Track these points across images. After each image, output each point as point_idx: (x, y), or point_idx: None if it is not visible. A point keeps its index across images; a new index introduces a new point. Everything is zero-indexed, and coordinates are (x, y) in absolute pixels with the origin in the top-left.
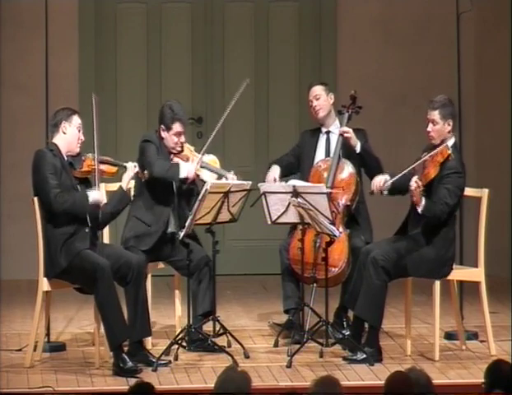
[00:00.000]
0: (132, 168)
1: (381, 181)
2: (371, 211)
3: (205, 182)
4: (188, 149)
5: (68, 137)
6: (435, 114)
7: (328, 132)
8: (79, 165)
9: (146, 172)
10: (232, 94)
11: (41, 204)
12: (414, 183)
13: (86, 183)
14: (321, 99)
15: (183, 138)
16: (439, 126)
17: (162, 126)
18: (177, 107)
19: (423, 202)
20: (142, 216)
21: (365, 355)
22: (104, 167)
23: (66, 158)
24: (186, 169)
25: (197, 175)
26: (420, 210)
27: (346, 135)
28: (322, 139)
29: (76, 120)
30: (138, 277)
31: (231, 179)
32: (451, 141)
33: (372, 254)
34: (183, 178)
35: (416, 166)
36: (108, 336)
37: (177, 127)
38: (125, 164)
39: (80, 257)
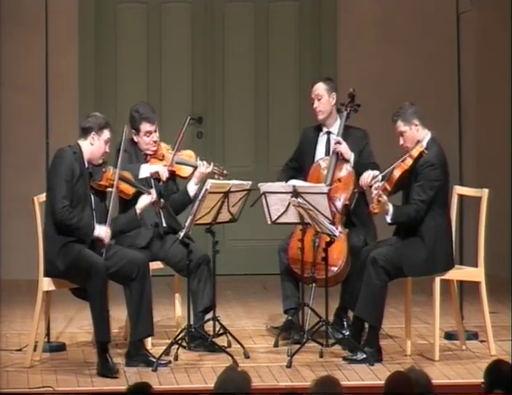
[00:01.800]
0: (152, 196)
1: (369, 177)
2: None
3: (184, 178)
4: (165, 148)
5: (94, 148)
6: (399, 125)
7: (328, 133)
8: (98, 177)
9: (162, 200)
10: (232, 94)
11: (47, 207)
12: (374, 187)
13: (101, 194)
14: (322, 100)
15: (154, 137)
16: (408, 133)
17: (133, 130)
18: (143, 108)
19: (390, 210)
20: None
21: (365, 355)
22: (122, 186)
23: (87, 165)
24: (146, 170)
25: (174, 172)
26: (389, 219)
27: (338, 148)
28: (322, 139)
29: (106, 134)
30: (144, 274)
31: (203, 167)
32: (426, 139)
33: (372, 254)
34: (161, 175)
35: (389, 171)
36: (95, 333)
37: (145, 126)
38: (150, 190)
39: (78, 257)
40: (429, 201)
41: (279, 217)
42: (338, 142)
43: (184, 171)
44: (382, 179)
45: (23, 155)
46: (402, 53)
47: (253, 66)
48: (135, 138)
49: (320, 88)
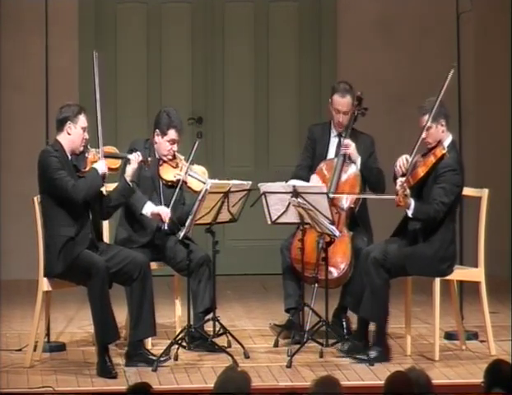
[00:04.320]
0: (136, 159)
1: (403, 161)
2: (372, 213)
3: (194, 191)
4: (179, 157)
5: (73, 137)
6: (425, 120)
7: (339, 135)
8: (83, 165)
9: (150, 158)
10: (232, 94)
11: (44, 209)
12: (399, 182)
13: None
14: (348, 115)
15: (175, 147)
16: (432, 130)
17: (157, 130)
18: (174, 114)
19: (412, 204)
20: (129, 224)
21: (375, 354)
22: (108, 161)
23: (70, 157)
24: (150, 208)
25: (185, 183)
26: (410, 213)
27: (347, 151)
28: (333, 141)
29: (81, 120)
30: (145, 275)
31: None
32: (448, 141)
33: (372, 254)
34: (163, 218)
35: (409, 168)
36: (96, 334)
37: (172, 134)
38: (128, 155)
39: (78, 259)
40: (449, 205)
41: (279, 217)
42: (346, 146)
43: (196, 185)
44: (404, 175)
45: (23, 155)
46: (402, 53)
47: (253, 66)
48: (156, 139)
49: (349, 104)
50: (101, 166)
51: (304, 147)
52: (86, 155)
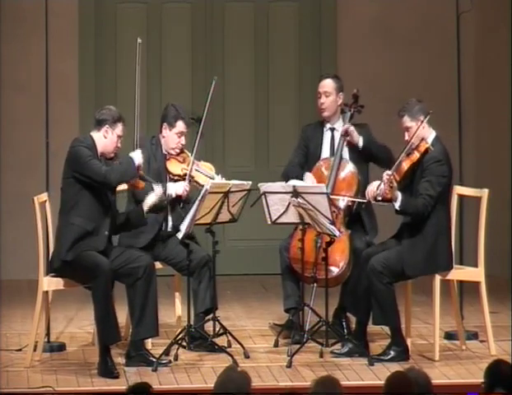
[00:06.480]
0: (159, 194)
1: (374, 187)
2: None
3: (201, 185)
4: (186, 153)
5: (107, 141)
6: (406, 121)
7: (332, 129)
8: None
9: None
10: (232, 94)
11: (95, 183)
12: (386, 175)
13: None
14: (330, 97)
15: (183, 140)
16: (413, 129)
17: (165, 124)
18: (181, 107)
19: (399, 197)
20: None
21: (394, 354)
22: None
23: (99, 157)
24: (174, 188)
25: (192, 177)
26: (397, 206)
27: (348, 129)
28: (326, 136)
29: (119, 128)
30: (150, 275)
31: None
32: (431, 137)
33: (371, 262)
34: (177, 195)
35: (397, 164)
36: (98, 334)
37: (180, 125)
38: (154, 185)
39: (84, 256)
40: (436, 197)
41: (279, 217)
42: (345, 131)
43: (203, 180)
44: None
45: (23, 155)
46: (402, 53)
47: (253, 66)
48: (164, 132)
49: (329, 85)
50: (138, 156)
51: (296, 146)
52: (115, 162)
